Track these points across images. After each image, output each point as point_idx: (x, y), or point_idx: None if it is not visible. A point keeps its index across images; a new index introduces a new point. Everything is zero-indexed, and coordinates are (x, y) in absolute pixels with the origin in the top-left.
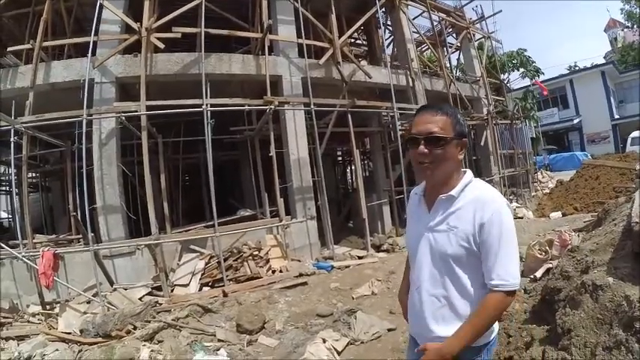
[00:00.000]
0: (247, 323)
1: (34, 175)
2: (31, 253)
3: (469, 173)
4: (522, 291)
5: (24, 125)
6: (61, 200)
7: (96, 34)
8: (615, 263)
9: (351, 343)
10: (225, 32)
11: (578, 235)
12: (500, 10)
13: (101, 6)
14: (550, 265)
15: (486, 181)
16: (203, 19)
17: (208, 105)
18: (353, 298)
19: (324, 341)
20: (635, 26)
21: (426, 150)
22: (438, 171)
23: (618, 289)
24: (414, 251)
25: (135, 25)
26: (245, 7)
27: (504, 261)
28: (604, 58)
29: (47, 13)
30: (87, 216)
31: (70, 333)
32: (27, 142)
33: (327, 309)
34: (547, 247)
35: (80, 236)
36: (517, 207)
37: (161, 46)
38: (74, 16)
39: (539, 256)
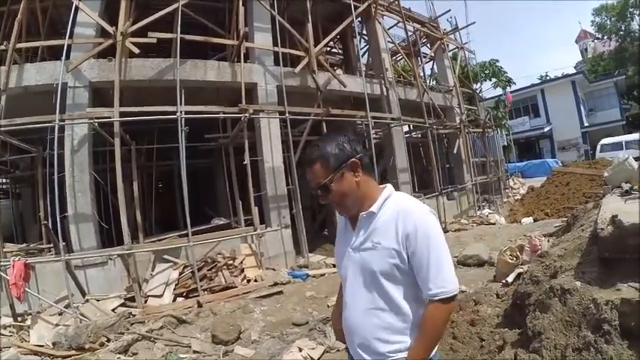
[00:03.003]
0: (223, 334)
1: (3, 181)
2: (1, 263)
3: (389, 188)
4: (495, 296)
5: None
6: (32, 207)
7: (70, 36)
8: (583, 268)
9: (327, 351)
10: (201, 38)
11: (548, 240)
12: (474, 22)
13: (77, 8)
14: (521, 270)
15: (459, 189)
16: (179, 24)
17: (183, 112)
18: (328, 307)
19: (300, 350)
20: (605, 37)
21: (324, 199)
22: (345, 206)
23: (586, 293)
24: (345, 273)
25: (110, 29)
26: (222, 14)
27: (438, 269)
28: (574, 68)
29: (22, 13)
30: (58, 224)
31: (42, 346)
32: None
33: (302, 318)
34: (518, 253)
35: (51, 245)
36: (490, 213)
37: (136, 51)
38: (49, 17)
39: (510, 261)
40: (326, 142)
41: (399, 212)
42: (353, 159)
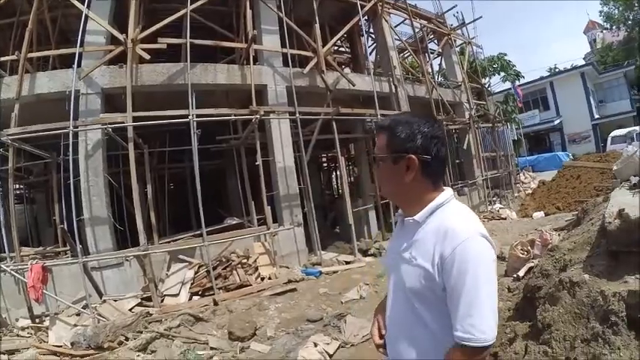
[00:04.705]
0: (239, 330)
1: (18, 186)
2: (18, 266)
3: (444, 194)
4: (506, 290)
5: (10, 137)
6: (46, 212)
7: (81, 45)
8: (591, 261)
9: (342, 346)
10: (210, 43)
11: (559, 234)
12: (481, 17)
13: (86, 17)
14: (532, 264)
15: (469, 184)
16: (188, 29)
17: (194, 115)
18: (342, 303)
19: (316, 345)
20: (613, 27)
21: (374, 170)
22: (383, 191)
23: (594, 285)
24: (388, 273)
25: (120, 36)
26: (229, 17)
27: (469, 309)
28: (583, 59)
29: (32, 23)
30: (74, 228)
31: (61, 346)
32: (13, 154)
33: (316, 314)
34: (529, 247)
35: (67, 248)
36: (501, 208)
37: (147, 57)
38: (59, 26)
39: (521, 255)
40: (406, 120)
41: (440, 230)
42: (411, 155)
